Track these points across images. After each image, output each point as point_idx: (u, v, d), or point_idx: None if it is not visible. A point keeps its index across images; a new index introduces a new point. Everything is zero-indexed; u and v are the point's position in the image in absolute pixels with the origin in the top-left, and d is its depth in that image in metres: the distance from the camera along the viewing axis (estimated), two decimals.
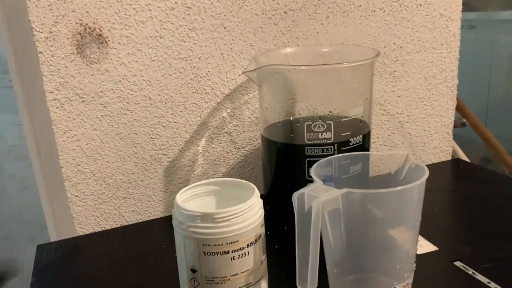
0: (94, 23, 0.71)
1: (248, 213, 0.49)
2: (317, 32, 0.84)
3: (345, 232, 0.48)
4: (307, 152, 0.66)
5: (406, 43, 0.91)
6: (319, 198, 0.46)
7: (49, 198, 0.87)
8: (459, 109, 1.04)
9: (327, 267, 0.52)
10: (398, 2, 0.89)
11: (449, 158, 1.02)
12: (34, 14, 0.68)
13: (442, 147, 1.01)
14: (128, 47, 0.74)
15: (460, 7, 0.94)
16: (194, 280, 0.50)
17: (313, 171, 0.51)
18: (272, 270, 0.66)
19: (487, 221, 0.73)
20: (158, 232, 0.78)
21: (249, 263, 0.50)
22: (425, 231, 0.59)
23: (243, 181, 0.55)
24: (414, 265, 0.52)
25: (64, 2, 0.69)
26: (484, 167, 1.04)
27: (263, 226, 0.53)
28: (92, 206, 0.78)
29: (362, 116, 0.70)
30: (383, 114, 0.93)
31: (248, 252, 0.50)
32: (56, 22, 0.69)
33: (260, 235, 0.52)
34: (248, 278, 0.51)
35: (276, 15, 0.81)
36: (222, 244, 0.48)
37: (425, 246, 0.66)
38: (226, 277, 0.49)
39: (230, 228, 0.48)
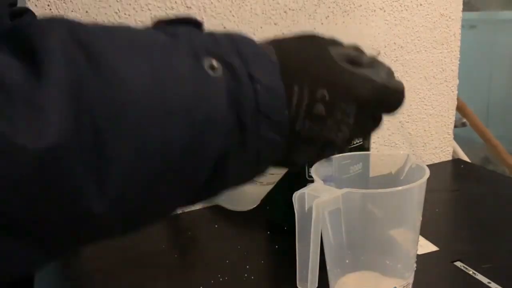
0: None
1: None
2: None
3: (345, 232, 0.48)
4: None
5: (406, 43, 0.91)
6: (319, 198, 0.45)
7: None
8: (460, 109, 1.03)
9: (328, 267, 0.52)
10: (398, 2, 0.88)
11: (450, 158, 1.02)
12: None
13: (443, 147, 1.00)
14: None
15: (461, 7, 0.94)
16: None
17: (313, 171, 0.51)
18: (272, 270, 0.66)
19: (487, 221, 0.73)
20: (158, 232, 0.78)
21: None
22: (426, 231, 0.59)
23: None
24: (415, 265, 0.52)
25: (63, 2, 0.69)
26: (484, 167, 1.03)
27: None
28: None
29: None
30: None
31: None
32: None
33: None
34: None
35: (276, 14, 0.81)
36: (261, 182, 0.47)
37: (426, 246, 0.65)
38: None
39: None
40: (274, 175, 0.48)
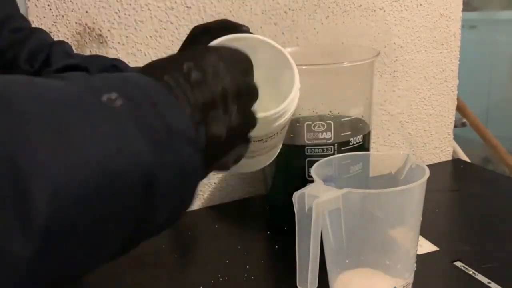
0: (93, 23, 0.71)
1: (289, 111, 0.46)
2: (317, 32, 0.84)
3: (345, 232, 0.48)
4: (307, 152, 0.66)
5: (406, 43, 0.91)
6: (319, 198, 0.45)
7: None
8: (460, 109, 1.03)
9: (328, 267, 0.52)
10: (398, 2, 0.88)
11: (450, 158, 1.02)
12: (33, 14, 0.68)
13: (443, 147, 1.00)
14: (127, 47, 0.74)
15: (461, 7, 0.94)
16: None
17: (313, 171, 0.51)
18: (272, 270, 0.66)
19: (487, 221, 0.73)
20: None
21: (277, 139, 0.50)
22: (426, 231, 0.59)
23: (286, 55, 0.48)
24: (415, 265, 0.52)
25: (63, 2, 0.69)
26: (484, 167, 1.03)
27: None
28: None
29: (362, 116, 0.70)
30: (383, 114, 0.93)
31: (279, 132, 0.49)
32: (55, 22, 0.69)
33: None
34: (272, 143, 0.50)
35: (276, 15, 0.81)
36: (258, 136, 0.46)
37: (426, 246, 0.65)
38: (256, 151, 0.49)
39: (270, 125, 0.45)
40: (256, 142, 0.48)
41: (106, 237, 0.28)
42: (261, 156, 0.52)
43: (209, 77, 0.35)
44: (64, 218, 0.24)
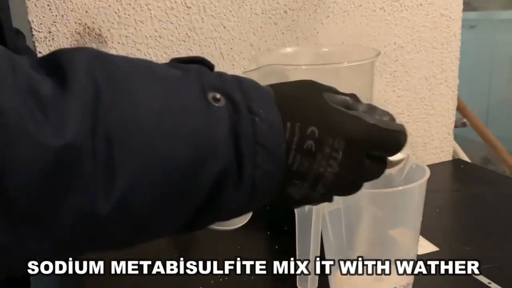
0: (93, 22, 0.71)
1: None
2: (317, 32, 0.84)
3: (345, 232, 0.48)
4: None
5: (407, 43, 0.91)
6: None
7: None
8: (460, 109, 1.04)
9: (327, 267, 0.52)
10: (398, 1, 0.88)
11: (450, 158, 1.02)
12: (33, 14, 0.68)
13: (443, 147, 1.00)
14: (127, 47, 0.74)
15: (461, 7, 0.94)
16: None
17: None
18: (272, 270, 0.66)
19: (488, 221, 0.73)
20: None
21: None
22: (426, 231, 0.59)
23: None
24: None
25: (63, 2, 0.69)
26: (484, 168, 1.03)
27: None
28: None
29: None
30: None
31: None
32: (55, 22, 0.69)
33: None
34: None
35: (276, 14, 0.81)
36: None
37: (426, 246, 0.65)
38: None
39: None
40: None
41: (168, 215, 0.30)
42: None
43: (319, 156, 0.33)
44: (144, 185, 0.28)
